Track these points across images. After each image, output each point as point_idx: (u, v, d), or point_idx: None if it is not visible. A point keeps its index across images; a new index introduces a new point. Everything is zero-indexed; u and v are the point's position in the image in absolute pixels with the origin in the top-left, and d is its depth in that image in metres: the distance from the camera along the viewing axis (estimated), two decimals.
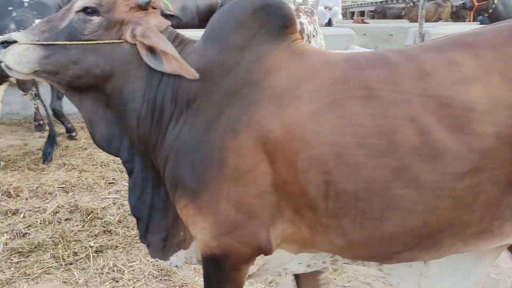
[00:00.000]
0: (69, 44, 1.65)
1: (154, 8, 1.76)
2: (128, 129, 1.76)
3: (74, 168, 4.71)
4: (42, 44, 1.65)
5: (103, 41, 1.66)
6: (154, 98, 1.68)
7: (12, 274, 2.99)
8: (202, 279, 1.80)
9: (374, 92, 1.49)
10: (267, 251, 1.63)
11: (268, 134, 1.52)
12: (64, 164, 4.78)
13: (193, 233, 1.72)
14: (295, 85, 1.55)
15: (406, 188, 1.47)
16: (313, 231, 1.60)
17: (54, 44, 1.65)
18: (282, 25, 1.64)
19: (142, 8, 1.71)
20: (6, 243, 3.27)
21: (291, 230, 1.62)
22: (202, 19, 7.98)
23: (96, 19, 1.67)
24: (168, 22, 1.81)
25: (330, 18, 10.60)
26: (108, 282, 2.88)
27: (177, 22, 7.65)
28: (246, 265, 1.69)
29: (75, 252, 3.19)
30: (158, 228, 1.88)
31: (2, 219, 3.61)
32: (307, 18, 4.55)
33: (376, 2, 22.43)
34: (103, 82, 1.71)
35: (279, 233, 1.62)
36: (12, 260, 3.12)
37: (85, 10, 1.67)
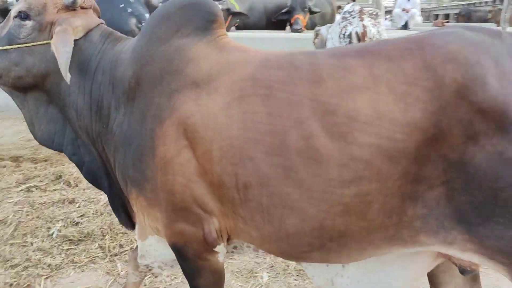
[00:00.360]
0: (8, 48, 1.80)
1: (83, 8, 1.87)
2: (70, 122, 1.88)
3: None
4: None
5: (31, 44, 1.80)
6: (90, 90, 1.81)
7: (62, 260, 3.12)
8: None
9: (273, 92, 1.54)
10: (215, 241, 1.70)
11: (186, 121, 1.59)
12: None
13: (151, 224, 1.78)
14: (214, 76, 1.62)
15: (297, 188, 1.49)
16: (235, 221, 1.65)
17: None
18: (207, 20, 1.73)
19: (70, 8, 1.82)
20: (60, 230, 3.43)
21: (224, 219, 1.67)
22: (270, 20, 8.01)
23: (29, 23, 1.80)
24: (99, 21, 1.92)
25: (406, 21, 10.18)
26: (147, 278, 2.94)
27: (244, 22, 7.83)
28: (209, 254, 1.74)
29: (121, 244, 3.27)
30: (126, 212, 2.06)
31: (60, 207, 3.80)
32: (371, 21, 4.39)
33: (462, 5, 21.38)
34: (41, 81, 1.85)
35: (220, 222, 1.68)
36: (63, 247, 3.26)
37: (20, 15, 1.80)
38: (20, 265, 3.01)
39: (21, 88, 1.88)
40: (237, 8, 7.26)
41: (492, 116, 1.33)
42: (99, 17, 2.01)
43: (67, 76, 1.66)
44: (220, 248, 1.74)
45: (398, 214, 1.47)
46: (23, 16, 1.80)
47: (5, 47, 1.80)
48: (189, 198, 1.62)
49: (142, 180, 1.68)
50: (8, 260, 3.06)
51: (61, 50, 1.68)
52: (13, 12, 1.82)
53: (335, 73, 1.51)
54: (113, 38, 1.87)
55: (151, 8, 5.18)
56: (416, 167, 1.41)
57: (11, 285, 2.85)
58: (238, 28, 7.77)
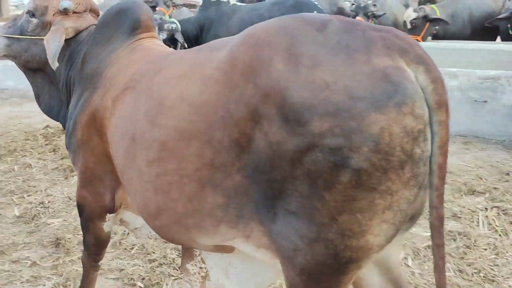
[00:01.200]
0: (19, 37, 2.33)
1: (76, 12, 2.27)
2: (62, 99, 2.36)
3: None
4: (5, 36, 2.37)
5: (36, 37, 2.29)
6: (66, 77, 2.27)
7: None
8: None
9: (136, 84, 1.78)
10: (111, 210, 2.06)
11: (95, 113, 1.94)
12: None
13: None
14: (116, 75, 1.93)
15: (135, 171, 1.67)
16: (126, 196, 1.96)
17: (11, 37, 2.36)
18: (131, 26, 2.06)
19: (64, 13, 2.24)
20: None
21: (124, 194, 1.98)
22: (475, 30, 6.97)
23: (34, 20, 2.29)
24: (90, 23, 2.30)
25: None
26: None
27: (445, 29, 7.00)
28: (99, 220, 2.12)
29: None
30: None
31: None
32: None
33: None
34: (43, 66, 2.33)
35: (119, 196, 2.02)
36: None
37: (29, 13, 2.29)
38: (156, 260, 3.06)
39: (31, 69, 2.42)
40: (438, 13, 6.52)
41: (273, 100, 1.27)
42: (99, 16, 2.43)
43: (54, 64, 2.11)
44: (109, 217, 2.10)
45: (199, 200, 1.50)
46: (31, 14, 2.29)
47: (18, 36, 2.33)
48: (98, 173, 1.99)
49: (72, 151, 2.10)
50: (148, 254, 3.15)
51: (51, 44, 2.12)
52: (26, 8, 2.32)
53: (171, 64, 1.70)
54: (94, 38, 2.17)
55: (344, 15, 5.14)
56: (211, 152, 1.42)
57: (143, 278, 2.91)
58: (437, 37, 7.00)
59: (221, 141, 1.39)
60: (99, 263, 2.37)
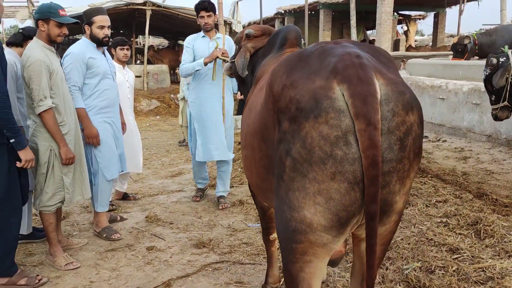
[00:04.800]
0: (231, 61, 3.39)
1: (256, 36, 3.07)
2: None
3: None
4: (229, 61, 3.43)
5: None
6: (251, 82, 3.02)
7: None
8: None
9: (257, 86, 2.45)
10: None
11: (246, 104, 2.51)
12: None
13: None
14: (259, 76, 2.61)
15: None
16: None
17: (231, 61, 3.39)
18: (281, 43, 2.70)
19: (248, 38, 3.08)
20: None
21: None
22: None
23: (236, 47, 3.35)
24: (261, 45, 3.01)
25: None
26: None
27: (489, 51, 7.09)
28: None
29: None
30: None
31: None
32: None
33: None
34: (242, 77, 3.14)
35: None
36: None
37: (234, 42, 3.46)
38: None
39: (239, 79, 3.30)
40: (475, 37, 6.55)
41: (275, 106, 1.76)
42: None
43: (243, 73, 3.00)
44: None
45: (265, 180, 2.07)
46: (236, 43, 3.35)
47: (231, 60, 3.40)
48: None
49: None
50: None
51: (239, 61, 3.02)
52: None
53: (266, 76, 2.25)
54: (263, 51, 2.93)
55: None
56: (266, 146, 1.98)
57: None
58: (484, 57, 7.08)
59: (269, 139, 1.85)
60: (271, 237, 2.95)
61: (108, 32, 4.09)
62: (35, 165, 3.38)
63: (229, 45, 4.85)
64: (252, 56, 3.02)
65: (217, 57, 4.58)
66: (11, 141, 3.06)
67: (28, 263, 3.64)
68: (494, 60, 4.63)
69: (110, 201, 4.98)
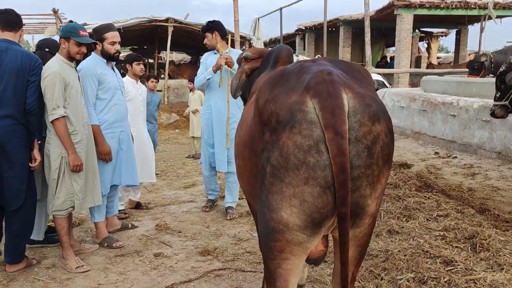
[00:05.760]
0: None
1: (253, 59, 3.29)
2: None
3: None
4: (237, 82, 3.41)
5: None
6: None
7: None
8: None
9: (251, 100, 2.59)
10: None
11: (241, 117, 2.58)
12: None
13: None
14: (253, 91, 2.81)
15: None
16: None
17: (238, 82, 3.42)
18: (274, 61, 2.84)
19: (246, 60, 3.31)
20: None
21: None
22: None
23: (239, 68, 3.43)
24: (257, 66, 3.20)
25: None
26: None
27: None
28: None
29: None
30: None
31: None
32: None
33: None
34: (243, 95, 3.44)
35: None
36: None
37: (237, 61, 3.62)
38: None
39: (243, 98, 3.52)
40: (491, 56, 6.65)
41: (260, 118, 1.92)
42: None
43: (236, 95, 3.39)
44: None
45: (255, 187, 2.12)
46: (237, 63, 3.55)
47: (235, 80, 3.41)
48: None
49: None
50: None
51: (233, 82, 3.35)
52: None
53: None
54: (258, 70, 3.12)
55: None
56: (255, 157, 2.13)
57: None
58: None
59: (257, 149, 1.99)
60: None
61: (118, 47, 4.31)
62: (48, 171, 3.74)
63: (238, 55, 5.12)
64: (249, 76, 3.29)
65: (221, 65, 4.88)
66: (39, 142, 3.65)
67: (42, 265, 3.87)
68: None
69: (124, 210, 5.24)
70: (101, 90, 4.19)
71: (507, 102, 4.82)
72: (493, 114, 5.04)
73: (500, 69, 4.95)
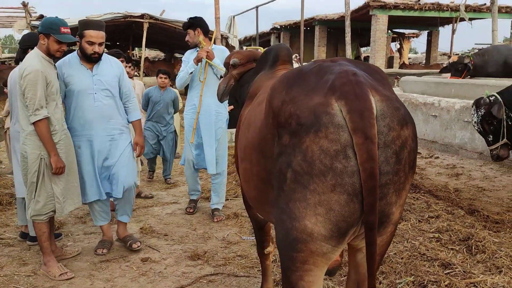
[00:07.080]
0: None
1: (240, 65, 3.22)
2: None
3: None
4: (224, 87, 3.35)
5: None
6: (241, 100, 3.21)
7: None
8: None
9: (254, 101, 2.48)
10: None
11: (240, 118, 2.66)
12: None
13: None
14: (253, 91, 2.66)
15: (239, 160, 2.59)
16: None
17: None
18: (273, 60, 2.75)
19: (233, 66, 3.24)
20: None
21: None
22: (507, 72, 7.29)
23: (226, 73, 3.37)
24: (250, 67, 3.16)
25: None
26: None
27: (482, 71, 7.44)
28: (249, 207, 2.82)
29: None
30: None
31: None
32: None
33: None
34: (234, 99, 3.36)
35: None
36: None
37: (226, 67, 3.42)
38: None
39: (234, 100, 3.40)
40: (471, 59, 6.79)
41: (275, 121, 1.80)
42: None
43: (222, 100, 3.34)
44: None
45: (264, 192, 2.06)
46: (224, 66, 3.48)
47: (222, 85, 3.32)
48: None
49: None
50: None
51: (221, 86, 3.30)
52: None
53: (263, 92, 2.34)
54: (254, 70, 3.00)
55: None
56: (265, 160, 1.99)
57: None
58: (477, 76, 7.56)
59: (268, 152, 1.88)
60: (266, 251, 2.97)
61: (98, 49, 3.78)
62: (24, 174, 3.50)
63: (221, 51, 4.98)
64: (238, 80, 3.24)
65: (202, 57, 4.72)
66: None
67: (22, 272, 3.64)
68: (487, 99, 4.52)
69: None
70: (66, 93, 3.84)
71: (505, 139, 4.44)
72: (498, 158, 4.56)
73: (478, 114, 4.56)
